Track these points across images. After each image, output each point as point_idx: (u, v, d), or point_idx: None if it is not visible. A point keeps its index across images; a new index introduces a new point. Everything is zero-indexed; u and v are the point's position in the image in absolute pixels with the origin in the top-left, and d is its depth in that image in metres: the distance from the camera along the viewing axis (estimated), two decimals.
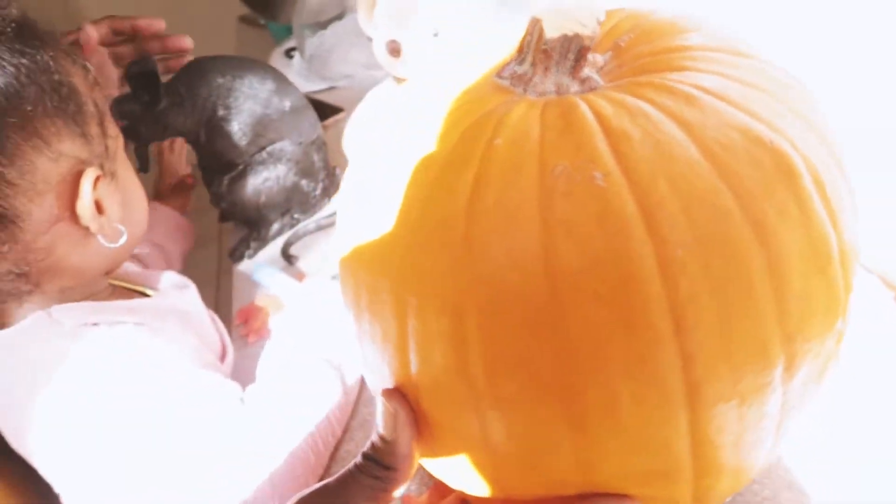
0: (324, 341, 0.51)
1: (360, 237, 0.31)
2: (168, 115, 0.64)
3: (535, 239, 0.24)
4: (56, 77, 0.43)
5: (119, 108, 0.63)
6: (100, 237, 0.47)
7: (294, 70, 1.10)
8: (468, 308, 0.26)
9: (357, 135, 0.67)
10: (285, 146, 0.69)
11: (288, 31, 1.35)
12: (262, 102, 0.67)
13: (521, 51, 0.30)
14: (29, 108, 0.41)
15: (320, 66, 0.92)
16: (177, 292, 0.55)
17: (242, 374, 0.53)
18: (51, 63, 0.43)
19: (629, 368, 0.24)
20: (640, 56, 0.30)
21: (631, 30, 0.32)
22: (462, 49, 0.36)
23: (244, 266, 0.72)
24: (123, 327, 0.46)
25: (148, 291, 0.55)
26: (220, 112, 0.65)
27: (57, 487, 0.47)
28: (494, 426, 0.27)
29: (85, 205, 0.45)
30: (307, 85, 1.05)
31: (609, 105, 0.27)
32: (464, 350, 0.26)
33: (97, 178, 0.45)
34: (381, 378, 0.31)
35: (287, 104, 0.69)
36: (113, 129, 0.49)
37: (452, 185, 0.26)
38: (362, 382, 0.52)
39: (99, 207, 0.46)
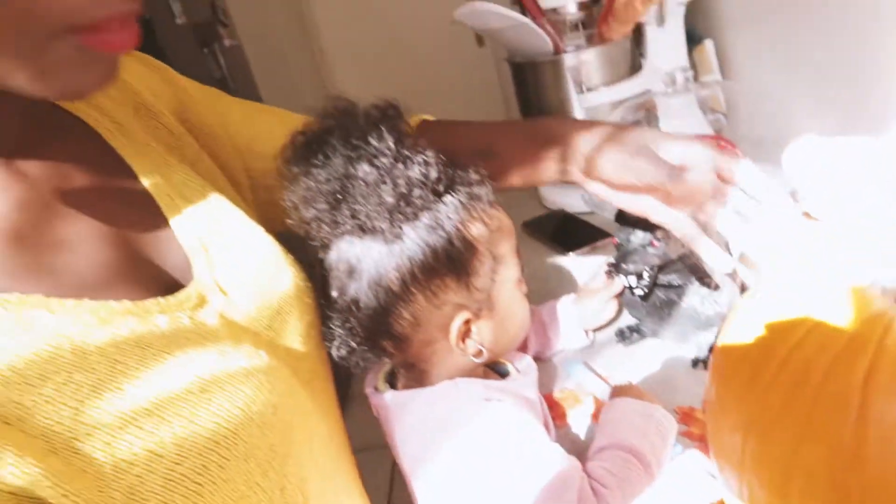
0: (635, 437, 0.64)
1: (749, 379, 0.45)
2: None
3: None
4: (457, 245, 0.55)
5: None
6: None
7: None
8: (858, 459, 0.38)
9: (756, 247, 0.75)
10: None
11: None
12: None
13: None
14: (430, 273, 0.55)
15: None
16: (524, 377, 0.72)
17: None
18: (455, 233, 0.55)
19: None
20: None
21: None
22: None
23: (555, 358, 0.87)
24: (506, 405, 0.62)
25: (510, 370, 0.71)
26: None
27: None
28: None
29: (453, 336, 0.60)
30: (572, 204, 1.24)
31: None
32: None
33: (466, 321, 0.60)
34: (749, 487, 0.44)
35: None
36: (503, 273, 0.62)
37: (849, 368, 0.39)
38: None
39: (468, 333, 0.62)
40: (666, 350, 0.80)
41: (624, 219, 0.77)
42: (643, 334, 0.83)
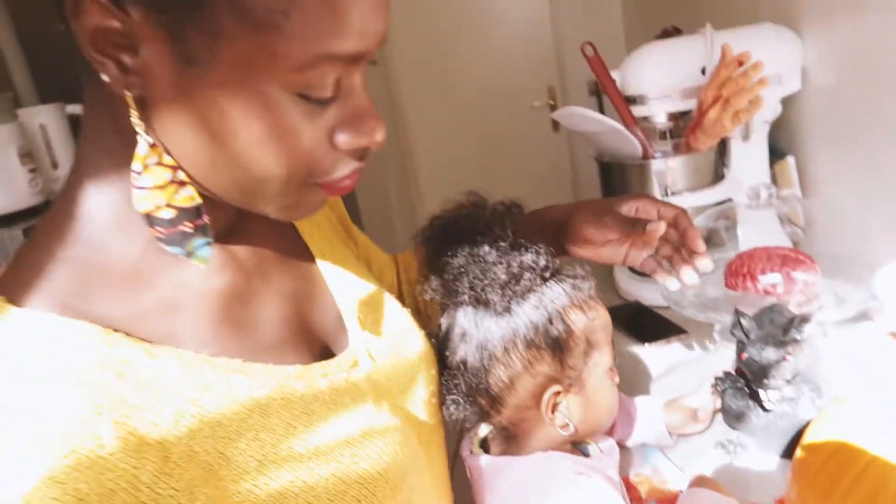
0: None
1: (830, 484, 0.51)
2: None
3: None
4: (555, 325, 0.63)
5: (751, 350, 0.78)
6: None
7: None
8: None
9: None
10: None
11: None
12: None
13: None
14: (529, 345, 0.63)
15: (677, 295, 1.15)
16: (607, 458, 0.77)
17: None
18: (556, 314, 0.63)
19: None
20: None
21: None
22: None
23: (631, 443, 0.92)
24: (595, 481, 0.68)
25: (593, 451, 0.77)
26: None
27: None
28: None
29: (543, 405, 0.67)
30: (649, 297, 1.30)
31: None
32: None
33: (556, 393, 0.67)
34: None
35: None
36: (595, 358, 0.69)
37: None
38: None
39: (557, 406, 0.68)
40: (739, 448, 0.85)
41: (742, 330, 0.81)
42: (745, 447, 0.83)
